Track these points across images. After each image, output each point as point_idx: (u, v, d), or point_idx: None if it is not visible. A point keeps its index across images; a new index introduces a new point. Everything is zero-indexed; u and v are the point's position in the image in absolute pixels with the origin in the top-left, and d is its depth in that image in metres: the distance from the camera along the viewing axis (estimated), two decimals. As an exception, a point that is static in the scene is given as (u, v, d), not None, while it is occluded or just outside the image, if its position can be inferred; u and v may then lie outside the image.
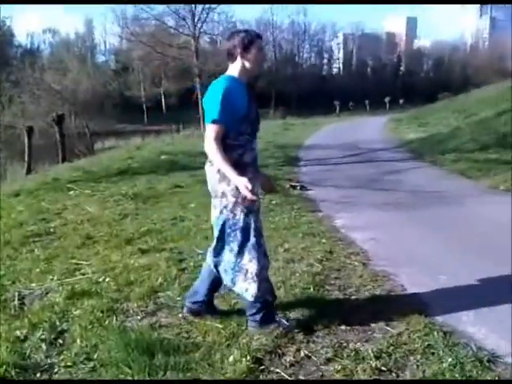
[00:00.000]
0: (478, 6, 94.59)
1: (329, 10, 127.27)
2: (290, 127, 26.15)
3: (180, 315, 3.34)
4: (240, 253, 3.01)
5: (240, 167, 2.86)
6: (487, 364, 2.68)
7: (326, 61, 76.40)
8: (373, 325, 3.16)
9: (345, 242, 5.10)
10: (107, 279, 4.05)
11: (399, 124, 23.12)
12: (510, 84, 23.22)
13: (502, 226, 5.52)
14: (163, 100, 53.57)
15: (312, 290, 3.71)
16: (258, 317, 3.06)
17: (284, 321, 3.13)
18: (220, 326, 3.14)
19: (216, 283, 3.23)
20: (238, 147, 2.95)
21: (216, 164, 2.90)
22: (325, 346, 2.91)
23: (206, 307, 3.27)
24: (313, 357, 2.80)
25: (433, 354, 2.76)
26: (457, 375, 2.55)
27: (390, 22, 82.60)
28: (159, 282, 3.94)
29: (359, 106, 48.89)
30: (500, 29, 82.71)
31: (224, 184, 2.94)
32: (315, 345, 2.93)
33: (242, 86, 2.97)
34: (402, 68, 73.97)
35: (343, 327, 3.14)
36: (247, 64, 2.97)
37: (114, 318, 3.33)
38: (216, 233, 3.09)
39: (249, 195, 2.75)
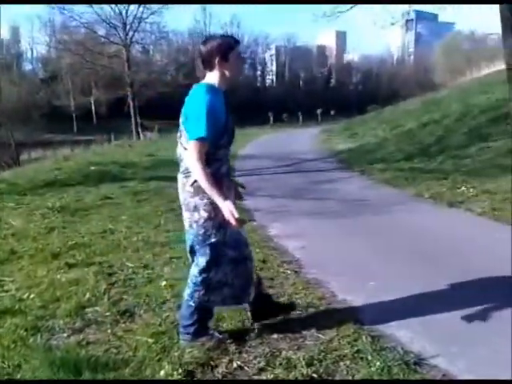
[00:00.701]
0: (403, 22, 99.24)
1: (262, 22, 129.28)
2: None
3: (109, 331, 3.24)
4: (206, 269, 2.94)
5: (217, 179, 2.80)
6: (413, 366, 2.77)
7: (259, 72, 77.36)
8: (305, 332, 3.19)
9: (278, 251, 5.14)
10: (32, 296, 3.87)
11: (330, 135, 23.75)
12: (434, 96, 24.52)
13: (427, 233, 5.78)
14: (93, 109, 52.24)
15: (245, 299, 3.70)
16: (192, 329, 3.02)
17: (217, 333, 3.10)
18: (151, 340, 3.07)
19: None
20: (216, 161, 2.87)
21: (200, 183, 2.77)
22: (257, 355, 2.91)
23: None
24: (245, 367, 2.79)
25: (362, 358, 2.82)
26: (385, 378, 2.62)
27: (321, 35, 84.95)
28: (87, 297, 3.80)
29: (292, 118, 49.79)
30: (424, 43, 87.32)
31: (197, 198, 2.86)
32: (248, 355, 2.92)
33: (221, 96, 2.86)
34: (332, 80, 76.23)
35: (275, 336, 3.15)
36: (227, 72, 2.86)
37: (39, 336, 3.19)
38: (187, 247, 3.05)
39: (233, 222, 2.70)
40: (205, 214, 2.86)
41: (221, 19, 66.83)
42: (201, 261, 2.94)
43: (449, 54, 57.35)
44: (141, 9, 31.38)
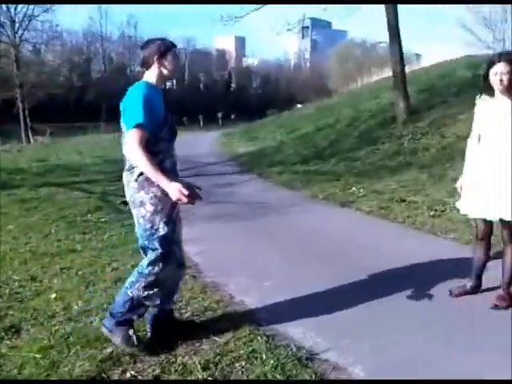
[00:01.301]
0: (299, 28, 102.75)
1: (160, 23, 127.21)
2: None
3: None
4: (153, 263, 2.95)
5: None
6: (306, 362, 2.87)
7: (158, 75, 76.00)
8: (201, 336, 3.19)
9: (176, 256, 5.10)
10: None
11: (231, 138, 23.97)
12: (328, 101, 25.63)
13: (320, 232, 6.02)
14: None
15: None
16: (117, 316, 2.99)
17: (135, 336, 3.01)
18: (38, 355, 2.91)
19: None
20: (158, 153, 2.89)
21: (143, 170, 2.80)
22: (152, 364, 2.86)
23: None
24: (139, 376, 2.74)
25: (256, 358, 2.87)
26: (278, 376, 2.69)
27: (220, 39, 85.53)
28: (-33, 314, 3.52)
29: (193, 121, 49.60)
30: (320, 50, 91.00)
31: (142, 192, 2.88)
32: (142, 364, 2.87)
33: (158, 92, 2.98)
34: (233, 84, 77.01)
35: (172, 342, 3.12)
36: (164, 70, 2.98)
37: None
38: (138, 243, 3.06)
39: (184, 200, 2.76)
40: (151, 208, 2.89)
41: (116, 19, 64.90)
42: (150, 254, 2.97)
43: (342, 60, 60.18)
44: (31, 6, 29.76)
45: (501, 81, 3.30)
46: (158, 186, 2.82)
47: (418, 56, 40.75)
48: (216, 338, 3.16)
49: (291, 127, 20.35)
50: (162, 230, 2.94)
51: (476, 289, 3.76)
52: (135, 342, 2.96)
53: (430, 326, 3.32)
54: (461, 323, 3.35)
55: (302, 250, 5.31)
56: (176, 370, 2.78)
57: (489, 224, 3.58)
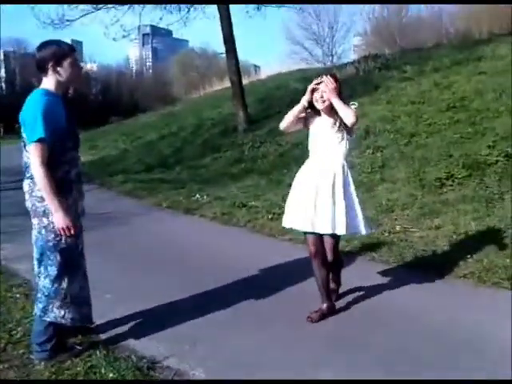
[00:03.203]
0: (138, 35, 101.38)
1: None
2: None
3: None
4: (58, 277, 2.86)
5: (66, 185, 2.82)
6: (147, 371, 2.86)
7: (-16, 79, 69.30)
8: (33, 358, 2.99)
9: (7, 274, 4.72)
10: None
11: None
12: (172, 109, 25.62)
13: (164, 240, 6.01)
14: None
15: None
16: (48, 345, 2.86)
17: (77, 347, 2.97)
18: None
19: None
20: (64, 164, 2.84)
21: (41, 189, 2.74)
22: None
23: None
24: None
25: (95, 373, 2.78)
26: (118, 388, 2.63)
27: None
28: None
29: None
30: (161, 59, 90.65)
31: (46, 203, 2.79)
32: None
33: (58, 100, 2.86)
34: (70, 91, 73.04)
35: (0, 366, 2.90)
36: (60, 78, 2.86)
37: None
38: (36, 255, 2.91)
39: (63, 234, 2.77)
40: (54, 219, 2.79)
41: None
42: (51, 270, 2.85)
43: (184, 69, 60.70)
44: None
45: (323, 100, 3.44)
46: (62, 197, 2.76)
47: (256, 67, 42.70)
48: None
49: (135, 135, 19.94)
50: (65, 242, 2.84)
51: (332, 309, 3.64)
52: (79, 349, 3.01)
53: (267, 327, 3.50)
54: (297, 321, 3.59)
55: (143, 258, 5.27)
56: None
57: (319, 238, 3.54)
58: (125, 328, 3.48)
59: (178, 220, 7.27)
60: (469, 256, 4.63)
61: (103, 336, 3.35)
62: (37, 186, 2.80)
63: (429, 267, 4.54)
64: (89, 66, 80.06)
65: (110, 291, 4.16)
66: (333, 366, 2.92)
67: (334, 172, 3.47)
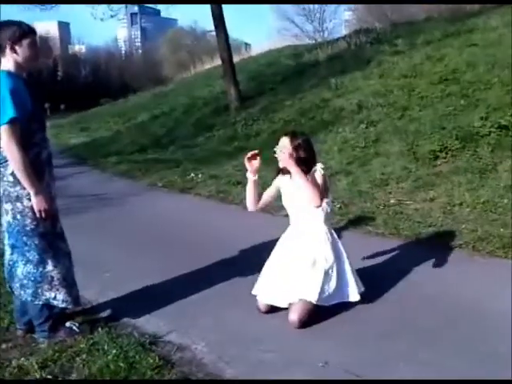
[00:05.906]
0: (128, 16, 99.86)
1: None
2: None
3: None
4: (41, 261, 2.84)
5: (38, 167, 2.75)
6: (149, 346, 2.89)
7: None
8: (35, 337, 3.03)
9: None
10: None
11: (61, 130, 22.53)
12: (163, 89, 25.42)
13: (161, 219, 6.03)
14: None
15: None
16: (46, 326, 2.94)
17: (75, 325, 2.99)
18: None
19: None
20: (34, 146, 2.78)
21: (16, 171, 2.68)
22: (-18, 372, 2.65)
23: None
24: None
25: (98, 350, 2.81)
26: (121, 364, 2.66)
27: (42, 25, 79.33)
28: None
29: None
30: (150, 38, 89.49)
31: (19, 187, 2.74)
32: (-30, 374, 2.64)
33: (21, 81, 2.80)
34: (59, 73, 72.16)
35: (4, 346, 2.94)
36: (18, 59, 2.78)
37: None
38: (9, 241, 2.85)
39: (42, 215, 2.73)
40: (29, 203, 2.76)
41: None
42: (31, 255, 2.82)
43: (173, 48, 60.09)
44: None
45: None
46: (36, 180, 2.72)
47: (247, 45, 42.33)
48: (54, 336, 3.03)
49: (127, 116, 19.82)
50: (43, 226, 2.81)
51: None
52: (77, 330, 3.01)
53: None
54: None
55: (140, 237, 5.29)
56: (11, 374, 2.62)
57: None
58: (125, 306, 3.51)
59: (173, 199, 7.28)
60: (463, 226, 4.70)
61: (104, 314, 3.39)
62: (8, 170, 2.74)
63: (424, 239, 4.60)
64: (77, 47, 79.12)
65: (109, 270, 4.19)
66: (333, 339, 2.97)
67: (314, 240, 3.16)
